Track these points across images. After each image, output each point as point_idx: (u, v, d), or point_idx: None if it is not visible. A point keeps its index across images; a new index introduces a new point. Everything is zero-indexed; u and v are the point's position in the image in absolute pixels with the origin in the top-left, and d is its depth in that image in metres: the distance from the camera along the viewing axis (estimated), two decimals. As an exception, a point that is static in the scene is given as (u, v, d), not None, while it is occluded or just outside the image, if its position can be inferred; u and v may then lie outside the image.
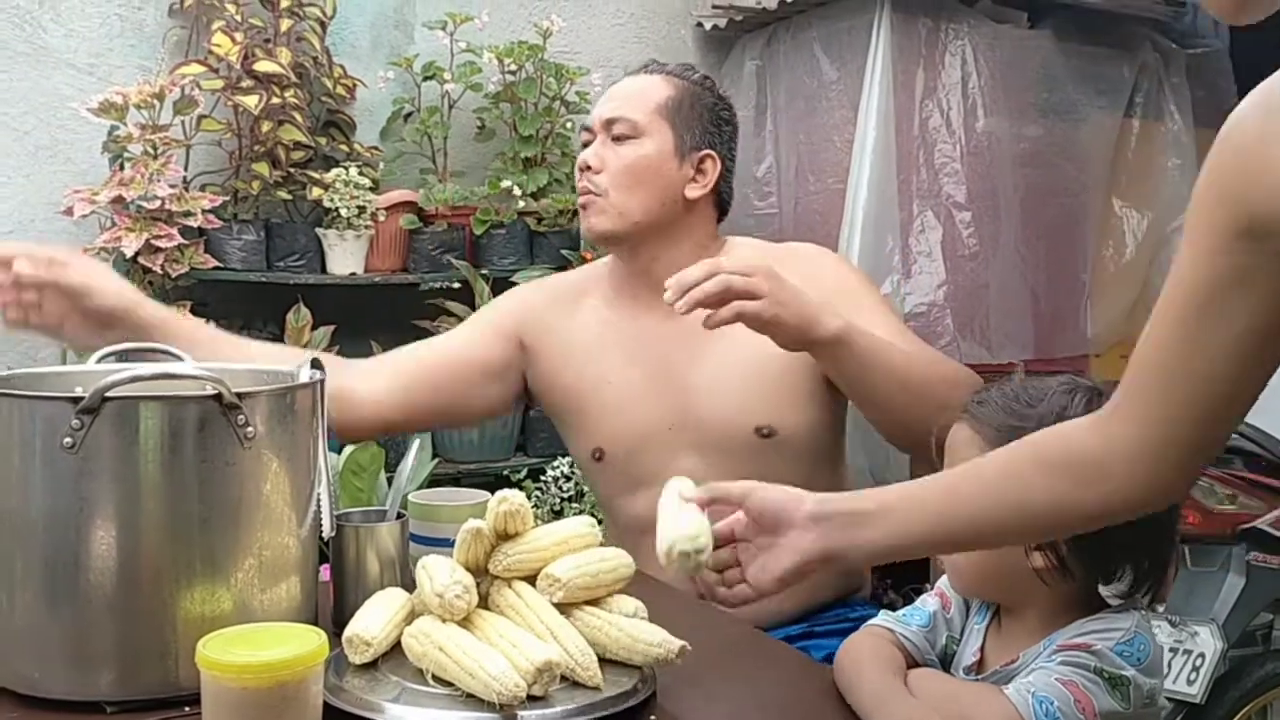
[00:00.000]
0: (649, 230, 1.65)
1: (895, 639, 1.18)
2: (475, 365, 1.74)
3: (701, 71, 1.74)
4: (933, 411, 1.43)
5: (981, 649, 1.15)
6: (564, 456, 2.95)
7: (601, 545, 1.22)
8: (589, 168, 1.65)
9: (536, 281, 1.92)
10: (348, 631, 1.14)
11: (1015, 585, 1.10)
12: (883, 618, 1.22)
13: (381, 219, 2.91)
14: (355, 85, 3.03)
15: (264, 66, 2.77)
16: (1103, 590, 1.11)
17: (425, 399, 1.71)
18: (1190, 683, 2.09)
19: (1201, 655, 2.10)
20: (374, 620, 1.15)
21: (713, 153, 1.68)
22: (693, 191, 1.66)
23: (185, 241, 2.69)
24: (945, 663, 1.19)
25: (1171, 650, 2.13)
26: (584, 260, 2.99)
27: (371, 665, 1.14)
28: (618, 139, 1.64)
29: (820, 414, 1.60)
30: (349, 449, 2.55)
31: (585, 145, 1.70)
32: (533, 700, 1.05)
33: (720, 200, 1.74)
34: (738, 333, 1.53)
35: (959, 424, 1.14)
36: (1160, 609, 2.50)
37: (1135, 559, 1.08)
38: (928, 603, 1.22)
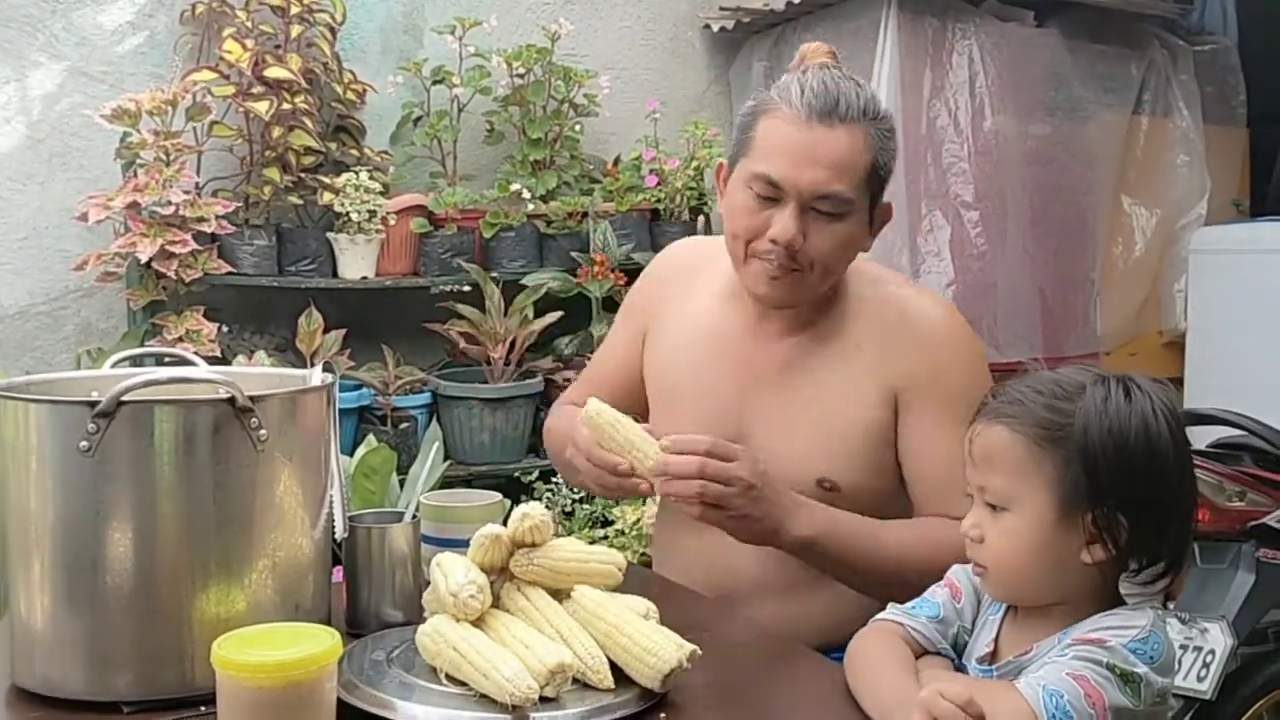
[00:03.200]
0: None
1: (904, 633, 1.18)
2: (631, 365, 1.70)
3: (869, 89, 1.50)
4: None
5: (996, 640, 1.15)
6: (575, 458, 2.95)
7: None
8: (790, 245, 1.43)
9: (673, 248, 1.78)
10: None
11: (1064, 584, 1.09)
12: (891, 610, 1.22)
13: (392, 223, 2.93)
14: (365, 90, 3.05)
15: (274, 72, 2.79)
16: (1123, 585, 1.11)
17: (633, 405, 1.66)
18: (1200, 679, 2.09)
19: (1212, 652, 2.10)
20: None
21: (890, 202, 1.53)
22: (869, 244, 1.53)
23: (199, 247, 2.71)
24: (957, 653, 1.19)
25: (1182, 647, 2.13)
26: (594, 263, 3.00)
27: (385, 663, 1.15)
28: (824, 213, 1.43)
29: (886, 480, 1.51)
30: (360, 451, 2.57)
31: (759, 197, 1.45)
32: (545, 702, 1.06)
33: None
34: (826, 379, 1.50)
35: (992, 427, 1.10)
36: (1171, 606, 2.50)
37: (1160, 550, 1.08)
38: (937, 594, 1.22)
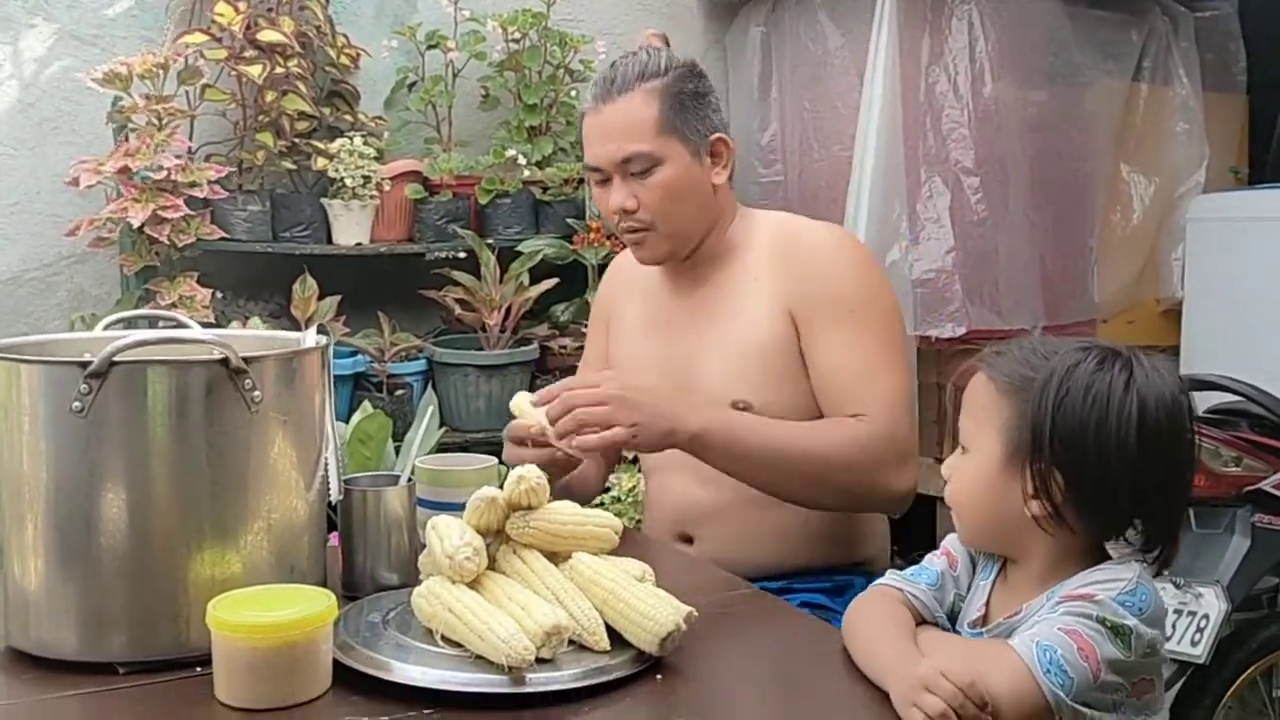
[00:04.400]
0: (696, 235, 1.70)
1: (904, 598, 1.19)
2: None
3: (661, 54, 1.69)
4: (845, 493, 1.57)
5: (986, 604, 1.16)
6: (571, 425, 2.95)
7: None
8: (627, 210, 1.64)
9: (617, 260, 1.97)
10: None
11: (1015, 535, 1.11)
12: (890, 576, 1.23)
13: (387, 189, 2.91)
14: (359, 55, 3.02)
15: (267, 36, 2.76)
16: (1110, 550, 1.12)
17: None
18: (1194, 644, 2.09)
19: (1206, 617, 2.10)
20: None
21: (721, 135, 1.69)
22: (719, 179, 1.70)
23: (191, 212, 2.69)
24: (953, 620, 1.20)
25: (1176, 612, 2.14)
26: (590, 230, 2.99)
27: (381, 625, 1.15)
28: (638, 174, 1.63)
29: (797, 395, 1.62)
30: (356, 418, 2.56)
31: (599, 184, 1.68)
32: (541, 663, 1.06)
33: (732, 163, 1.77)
34: (733, 313, 1.66)
35: (977, 373, 1.15)
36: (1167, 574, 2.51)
37: (1142, 518, 1.09)
38: (934, 562, 1.23)
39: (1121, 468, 1.05)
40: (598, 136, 1.65)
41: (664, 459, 1.65)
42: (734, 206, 1.76)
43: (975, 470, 1.13)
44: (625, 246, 1.73)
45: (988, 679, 0.99)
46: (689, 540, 1.69)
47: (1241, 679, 2.24)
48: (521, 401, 1.53)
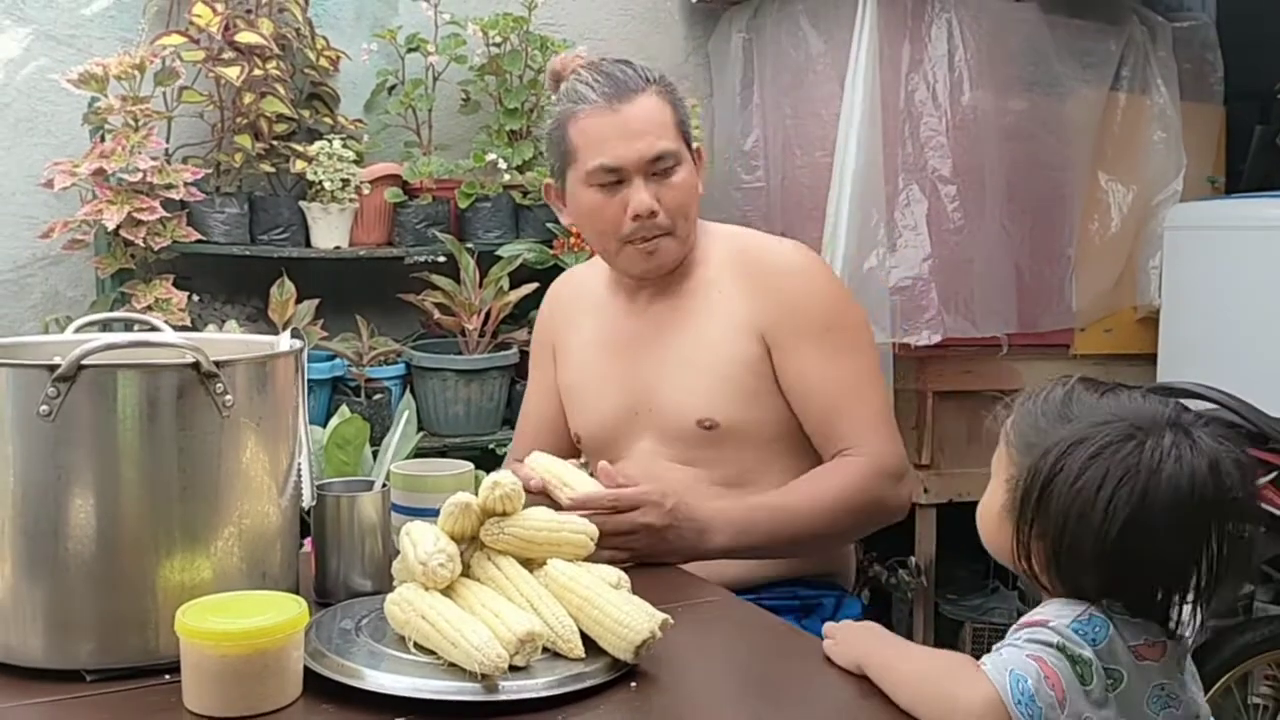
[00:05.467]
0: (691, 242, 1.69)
1: None
2: (556, 391, 1.85)
3: (643, 67, 1.68)
4: (854, 530, 1.66)
5: None
6: (549, 430, 2.95)
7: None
8: (652, 214, 1.59)
9: (554, 285, 1.96)
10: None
11: (1016, 568, 1.11)
12: None
13: (366, 192, 2.90)
14: (338, 57, 3.01)
15: (245, 38, 2.75)
16: None
17: (567, 437, 1.84)
18: (1170, 651, 2.10)
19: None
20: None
21: (700, 145, 1.71)
22: (700, 184, 1.70)
23: (167, 215, 2.66)
24: None
25: (1152, 619, 2.15)
26: (570, 235, 2.98)
27: (353, 632, 1.14)
28: (665, 173, 1.61)
29: (765, 412, 1.63)
30: (334, 422, 2.55)
31: (606, 187, 1.61)
32: (514, 671, 1.05)
33: None
34: (697, 330, 1.65)
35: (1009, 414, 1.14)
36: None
37: (1127, 598, 1.05)
38: None
39: (1096, 554, 1.02)
40: (620, 135, 1.58)
41: (630, 470, 1.64)
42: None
43: (985, 505, 1.14)
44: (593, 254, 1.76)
45: (958, 700, 0.98)
46: None
47: (1217, 686, 2.25)
48: (558, 468, 1.53)
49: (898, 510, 1.63)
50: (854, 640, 1.14)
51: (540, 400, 1.88)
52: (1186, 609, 1.06)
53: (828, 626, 1.18)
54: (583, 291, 1.80)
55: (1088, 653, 1.00)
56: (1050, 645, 1.00)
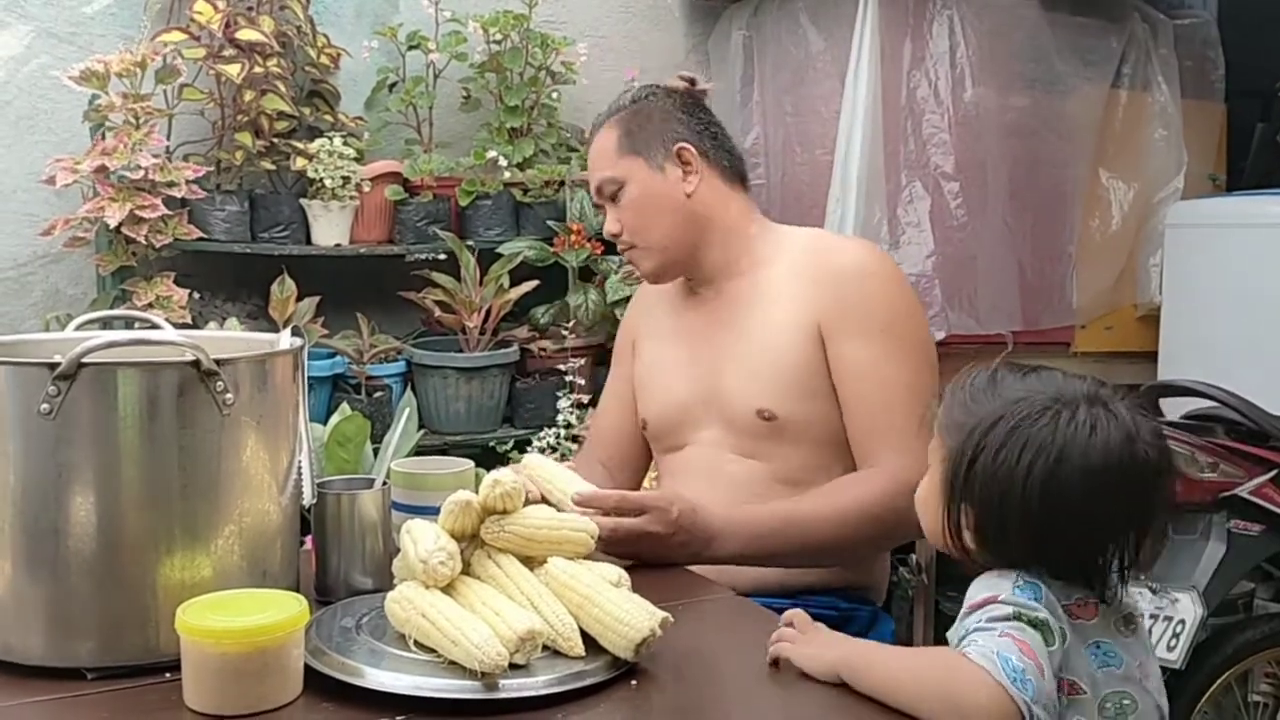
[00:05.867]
0: (682, 246, 1.73)
1: None
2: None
3: (643, 87, 1.79)
4: (873, 545, 1.68)
5: None
6: (550, 428, 2.95)
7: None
8: (615, 234, 1.75)
9: (641, 286, 2.01)
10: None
11: (959, 553, 1.14)
12: None
13: (366, 190, 2.90)
14: (339, 55, 3.00)
15: (246, 35, 2.74)
16: None
17: (642, 448, 1.90)
18: (1170, 649, 2.10)
19: (1182, 622, 2.11)
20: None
21: (684, 143, 1.72)
22: (689, 186, 1.72)
23: (169, 212, 2.67)
24: None
25: (1152, 617, 2.15)
26: (571, 232, 2.98)
27: (354, 630, 1.14)
28: (612, 198, 1.74)
29: (823, 409, 1.63)
30: (335, 420, 2.55)
31: (603, 211, 1.80)
32: (515, 669, 1.05)
33: (726, 172, 1.77)
34: (758, 322, 1.68)
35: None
36: (1141, 577, 2.52)
37: (1051, 565, 1.08)
38: None
39: (1021, 527, 1.06)
40: (589, 169, 1.79)
41: (681, 467, 1.72)
42: (747, 218, 1.77)
43: (922, 491, 1.19)
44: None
45: (963, 700, 0.98)
46: None
47: (1217, 684, 2.25)
48: (553, 474, 1.51)
49: (919, 530, 1.60)
50: (825, 642, 1.13)
51: (616, 398, 1.93)
52: (1114, 576, 1.10)
53: (790, 618, 1.17)
54: (661, 290, 1.86)
55: (1043, 613, 1.02)
56: (1008, 619, 1.02)
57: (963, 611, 1.07)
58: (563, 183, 3.06)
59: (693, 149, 1.71)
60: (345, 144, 2.85)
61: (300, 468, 1.24)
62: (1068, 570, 1.08)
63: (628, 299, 2.47)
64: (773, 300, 1.68)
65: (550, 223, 3.04)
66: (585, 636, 1.11)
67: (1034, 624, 1.01)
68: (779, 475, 1.64)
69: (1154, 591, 2.17)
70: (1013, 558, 1.08)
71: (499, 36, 3.07)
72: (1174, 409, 2.42)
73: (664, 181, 1.71)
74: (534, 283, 2.98)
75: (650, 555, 1.45)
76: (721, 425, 1.70)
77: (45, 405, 1.05)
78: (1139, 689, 1.09)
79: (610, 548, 1.38)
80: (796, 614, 1.18)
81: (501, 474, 1.21)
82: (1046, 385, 1.11)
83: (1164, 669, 2.10)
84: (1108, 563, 1.09)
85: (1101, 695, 1.06)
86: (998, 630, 1.01)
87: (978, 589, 1.07)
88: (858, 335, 1.61)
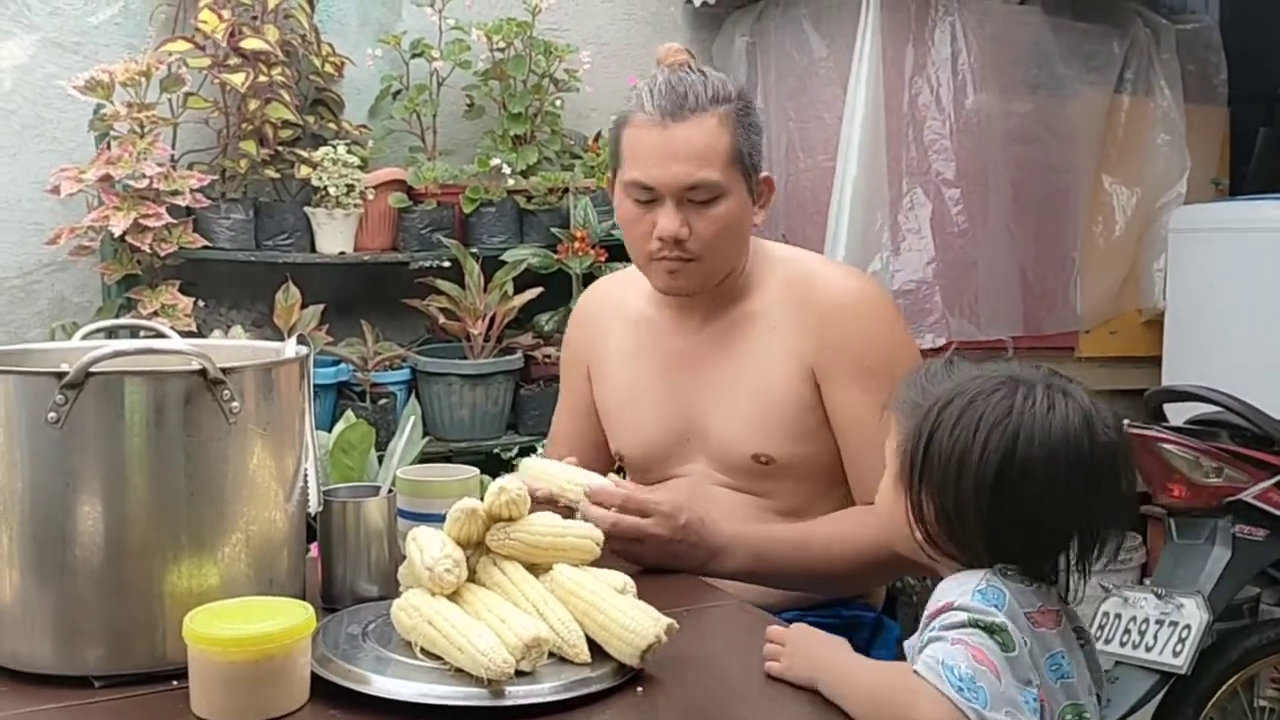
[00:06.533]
0: (725, 273, 1.60)
1: None
2: (592, 409, 1.78)
3: (725, 78, 1.58)
4: (877, 578, 1.64)
5: None
6: (554, 434, 2.95)
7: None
8: (681, 240, 1.52)
9: (582, 301, 1.89)
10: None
11: (918, 550, 1.12)
12: None
13: (370, 198, 2.90)
14: (343, 63, 3.02)
15: (251, 44, 2.75)
16: None
17: (602, 444, 1.78)
18: (1176, 654, 2.10)
19: (1187, 627, 2.11)
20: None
21: (768, 175, 1.62)
22: (758, 219, 1.62)
23: (173, 221, 2.67)
24: None
25: (1157, 622, 2.14)
26: (575, 239, 2.99)
27: (360, 637, 1.15)
28: (700, 201, 1.52)
29: (818, 446, 1.60)
30: (339, 427, 2.55)
31: (640, 203, 1.55)
32: (520, 676, 1.05)
33: None
34: (750, 363, 1.60)
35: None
36: (1148, 582, 2.52)
37: (1000, 554, 1.07)
38: None
39: (978, 504, 1.05)
40: (660, 155, 1.51)
41: (677, 483, 1.64)
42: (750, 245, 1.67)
43: (880, 488, 1.16)
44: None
45: (913, 714, 0.98)
46: None
47: (1223, 689, 2.24)
48: (560, 474, 1.49)
49: (917, 568, 1.59)
50: (805, 654, 1.12)
51: (573, 420, 1.81)
52: (1075, 577, 1.09)
53: (773, 632, 1.16)
54: (616, 304, 1.74)
55: (999, 618, 1.00)
56: (963, 625, 1.00)
57: (923, 620, 1.06)
58: (566, 190, 3.07)
59: (771, 182, 1.62)
60: (349, 152, 2.86)
61: (306, 475, 1.24)
62: (1032, 564, 1.07)
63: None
64: (763, 336, 1.60)
65: (554, 230, 3.05)
66: (591, 643, 1.11)
67: (989, 629, 1.00)
68: (775, 508, 1.61)
69: (1159, 596, 2.17)
70: (975, 548, 1.07)
71: (502, 44, 3.08)
72: (1179, 414, 2.42)
73: (748, 207, 1.58)
74: (538, 290, 2.99)
75: (653, 559, 1.44)
76: (709, 461, 1.64)
77: (53, 414, 1.06)
78: (1091, 704, 1.08)
79: (610, 543, 1.35)
80: (774, 631, 1.17)
81: (507, 481, 1.21)
82: (1002, 369, 1.11)
83: (1170, 674, 2.13)
84: (1067, 552, 1.08)
85: (1061, 706, 1.04)
86: (949, 639, 1.00)
87: (939, 594, 1.06)
88: (852, 380, 1.55)
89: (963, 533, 1.07)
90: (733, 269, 1.61)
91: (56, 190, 2.63)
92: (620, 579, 1.22)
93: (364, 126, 3.07)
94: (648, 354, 1.68)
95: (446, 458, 2.82)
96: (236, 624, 1.02)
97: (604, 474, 1.73)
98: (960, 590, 1.04)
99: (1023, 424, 1.05)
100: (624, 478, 1.68)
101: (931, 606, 1.05)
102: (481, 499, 1.21)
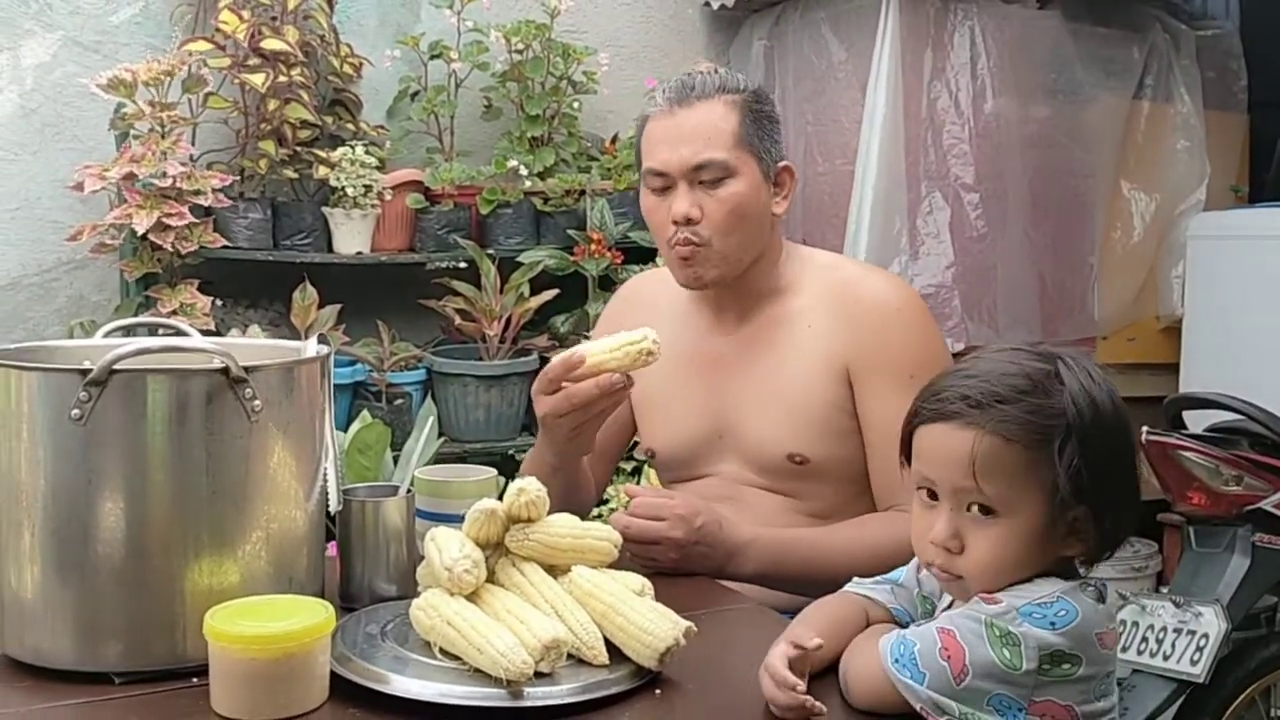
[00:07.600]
0: (744, 264, 1.61)
1: (858, 598, 1.21)
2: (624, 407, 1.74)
3: (745, 79, 1.63)
4: None
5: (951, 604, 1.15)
6: (570, 436, 2.95)
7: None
8: (690, 220, 1.55)
9: (621, 291, 1.90)
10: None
11: (1030, 573, 1.06)
12: (852, 584, 1.24)
13: (388, 198, 2.91)
14: (362, 64, 3.03)
15: (271, 44, 2.77)
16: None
17: (624, 434, 1.81)
18: (1194, 663, 2.09)
19: (1205, 636, 2.10)
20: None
21: (788, 164, 1.63)
22: (779, 208, 1.63)
23: (195, 220, 2.69)
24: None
25: (1175, 631, 2.13)
26: (591, 241, 2.99)
27: (379, 637, 1.15)
28: (708, 183, 1.55)
29: (852, 448, 1.60)
30: (355, 427, 2.56)
31: (656, 192, 1.60)
32: (539, 677, 1.05)
33: None
34: (786, 363, 1.60)
35: (980, 433, 1.06)
36: (1164, 590, 2.51)
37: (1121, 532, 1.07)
38: (901, 570, 1.24)
39: (1134, 472, 1.06)
40: (669, 140, 1.56)
41: (699, 493, 1.61)
42: (780, 242, 1.68)
43: (1011, 534, 1.04)
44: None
45: (849, 658, 1.07)
46: None
47: (1240, 698, 2.23)
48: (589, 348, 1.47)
49: None
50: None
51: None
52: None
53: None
54: (654, 299, 1.74)
55: (1022, 630, 0.98)
56: (977, 620, 1.00)
57: (975, 597, 1.04)
58: (583, 192, 3.07)
59: (791, 171, 1.63)
60: (367, 153, 2.87)
61: (326, 474, 1.24)
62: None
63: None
64: (799, 336, 1.61)
65: (570, 232, 3.05)
66: (609, 645, 1.11)
67: (1002, 636, 0.98)
68: (806, 510, 1.61)
69: (1177, 605, 2.16)
70: (1122, 520, 1.05)
71: (520, 46, 3.08)
72: (1198, 422, 2.41)
73: (765, 193, 1.59)
74: (554, 291, 2.99)
75: (669, 562, 1.44)
76: (742, 461, 1.64)
77: (76, 411, 1.06)
78: None
79: (627, 546, 1.35)
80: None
81: (526, 483, 1.21)
82: (1024, 355, 1.10)
83: (1188, 683, 2.12)
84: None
85: None
86: (939, 623, 1.03)
87: (1005, 591, 1.03)
88: (886, 382, 1.55)
89: (1117, 492, 1.04)
90: (754, 258, 1.61)
91: (80, 187, 2.64)
92: (638, 581, 1.22)
93: (382, 127, 3.08)
94: (683, 352, 1.67)
95: (461, 458, 2.82)
96: (257, 622, 1.03)
97: (619, 453, 1.81)
98: (1019, 594, 1.02)
99: (1111, 389, 1.06)
100: (653, 475, 1.69)
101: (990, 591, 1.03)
102: (500, 500, 1.21)
